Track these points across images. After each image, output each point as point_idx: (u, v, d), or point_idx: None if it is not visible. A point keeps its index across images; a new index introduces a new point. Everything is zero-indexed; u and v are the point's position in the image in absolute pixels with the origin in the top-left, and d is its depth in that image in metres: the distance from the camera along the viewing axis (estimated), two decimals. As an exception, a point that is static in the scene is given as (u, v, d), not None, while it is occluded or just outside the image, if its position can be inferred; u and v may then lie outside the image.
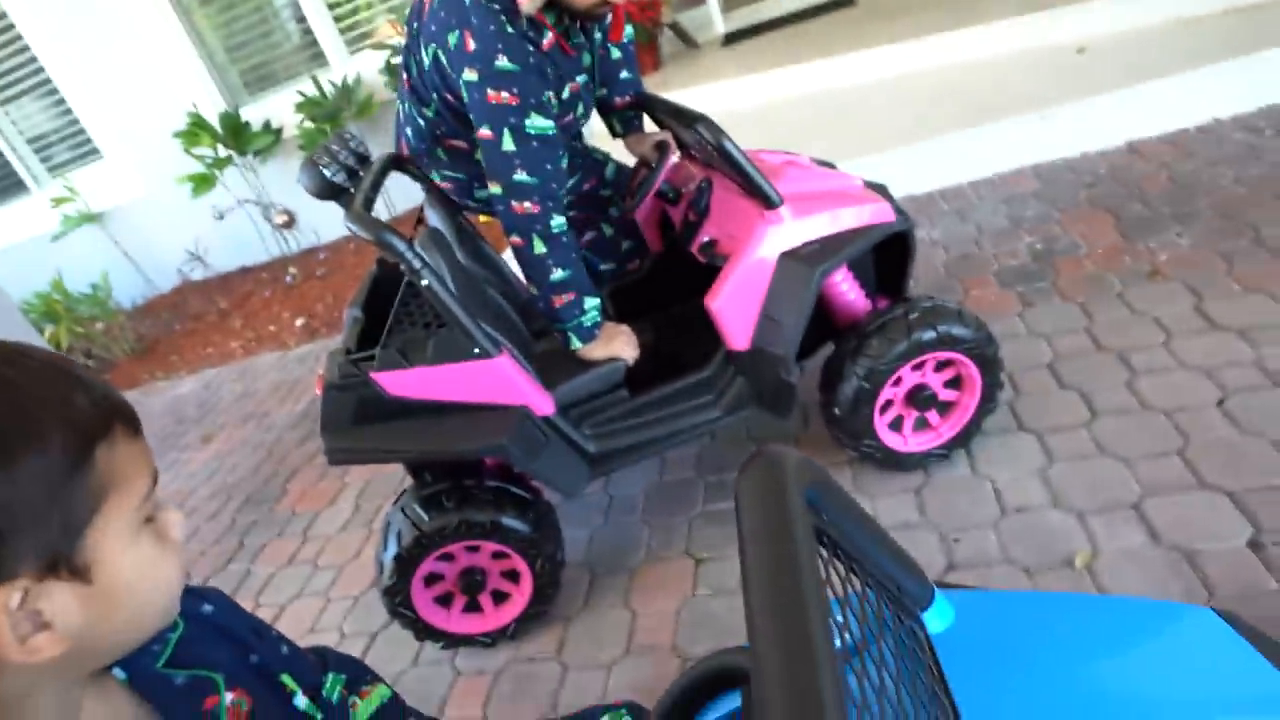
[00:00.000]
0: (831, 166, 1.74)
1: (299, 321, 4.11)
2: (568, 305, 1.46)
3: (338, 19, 4.92)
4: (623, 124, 1.81)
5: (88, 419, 0.42)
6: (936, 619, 0.55)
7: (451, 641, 1.60)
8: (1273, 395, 1.49)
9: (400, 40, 4.43)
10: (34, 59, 5.35)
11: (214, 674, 0.55)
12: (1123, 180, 2.43)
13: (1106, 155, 2.62)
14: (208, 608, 0.59)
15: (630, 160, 1.85)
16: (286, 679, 0.60)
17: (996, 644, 0.55)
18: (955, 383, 1.55)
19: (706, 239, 1.56)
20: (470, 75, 1.33)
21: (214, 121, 4.92)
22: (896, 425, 1.57)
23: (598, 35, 1.56)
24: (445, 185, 1.70)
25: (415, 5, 1.51)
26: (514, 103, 1.31)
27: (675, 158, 1.77)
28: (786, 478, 0.42)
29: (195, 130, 4.87)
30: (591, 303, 1.48)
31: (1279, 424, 1.42)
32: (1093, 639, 0.55)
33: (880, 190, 1.57)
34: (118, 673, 0.52)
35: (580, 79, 1.47)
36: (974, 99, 3.09)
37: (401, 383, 1.35)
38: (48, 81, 5.47)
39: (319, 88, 4.69)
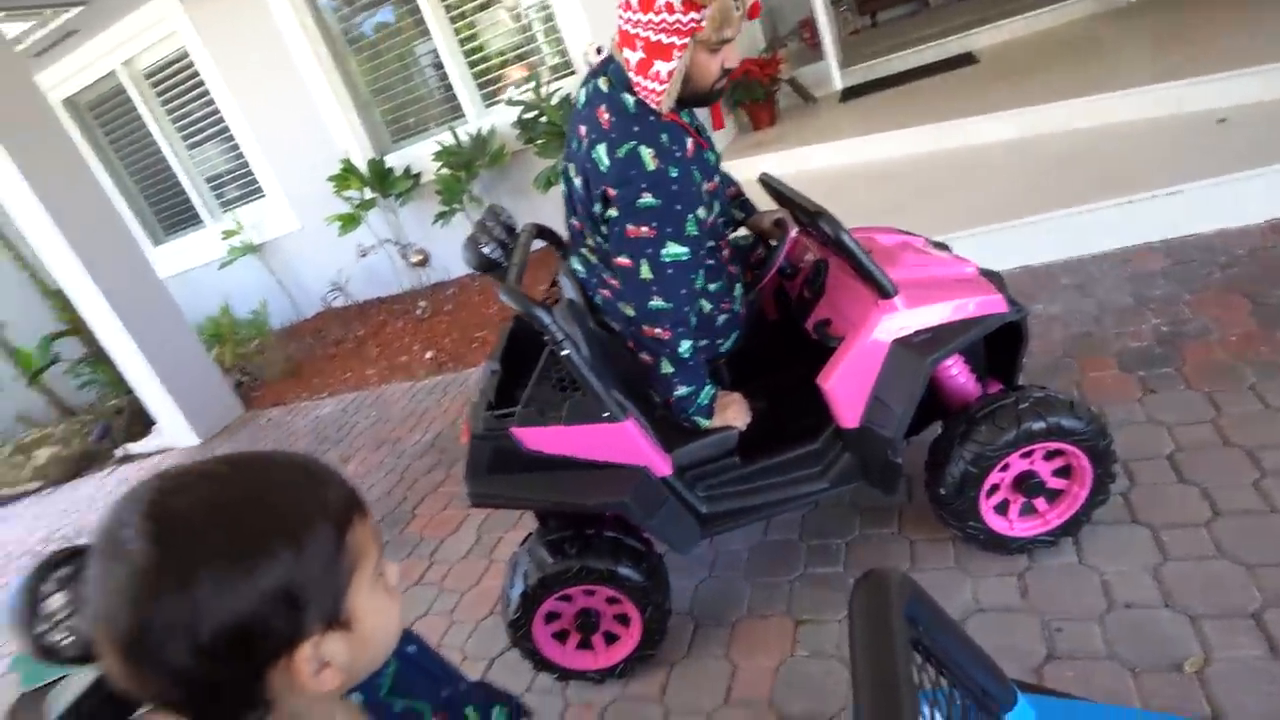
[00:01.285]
0: (946, 248, 1.81)
1: (428, 354, 4.45)
2: (687, 400, 1.59)
3: (475, 75, 5.35)
4: (739, 207, 1.94)
5: (338, 511, 0.57)
6: (1019, 718, 0.63)
7: (564, 675, 1.74)
8: None
9: (521, 92, 4.77)
10: (216, 110, 6.09)
11: (422, 704, 0.69)
12: (1262, 262, 2.34)
13: (1245, 234, 2.53)
14: (411, 648, 0.74)
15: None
16: (470, 712, 0.74)
17: None
18: (1065, 471, 1.56)
19: (821, 319, 1.65)
20: (611, 211, 1.48)
21: (362, 167, 5.43)
22: (1002, 509, 1.60)
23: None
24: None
25: (571, 124, 1.64)
26: (652, 235, 1.44)
27: (794, 233, 1.88)
28: (890, 597, 0.52)
29: (346, 175, 5.38)
30: (708, 393, 1.60)
31: None
32: None
33: (994, 278, 1.63)
34: (355, 697, 0.67)
35: (716, 177, 1.62)
36: (1101, 168, 3.03)
37: (538, 438, 1.52)
38: (225, 129, 6.21)
39: (455, 138, 5.10)
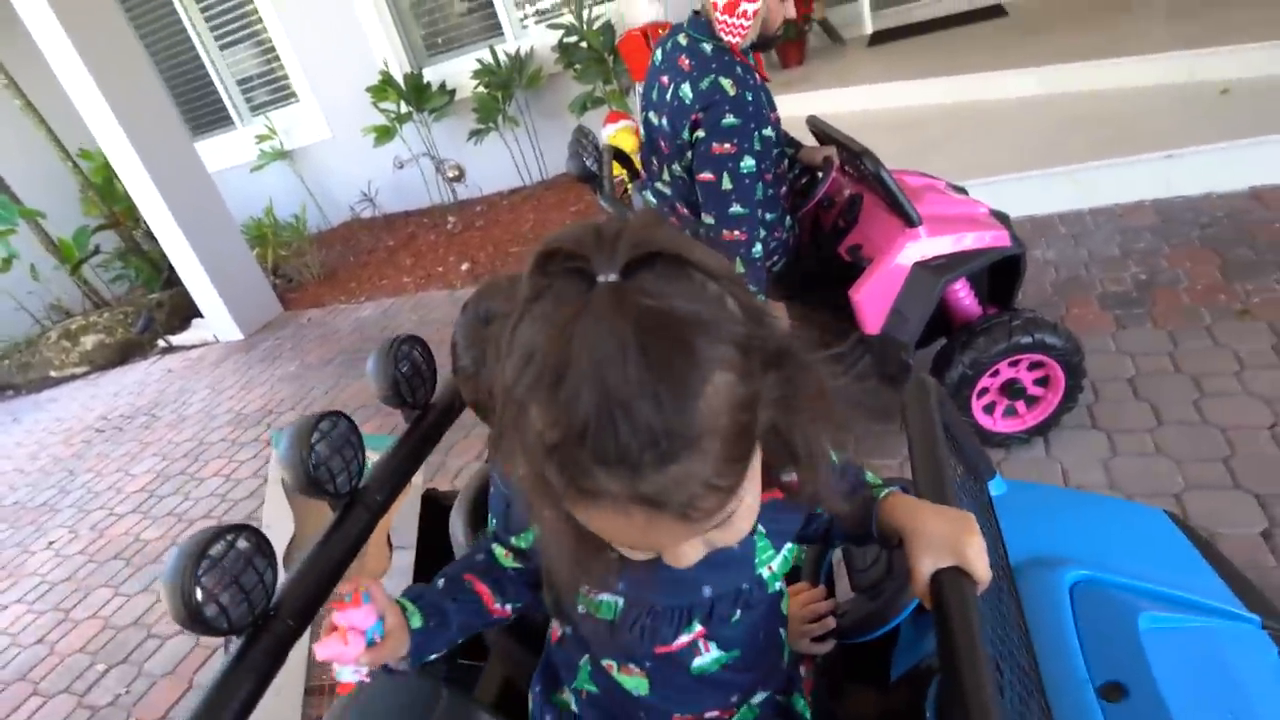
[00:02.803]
0: (964, 192, 2.11)
1: (464, 266, 4.73)
2: None
3: (515, -6, 5.43)
4: (788, 142, 2.22)
5: None
6: (995, 488, 0.97)
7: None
8: (1320, 426, 1.78)
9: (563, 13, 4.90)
10: (252, 8, 6.14)
11: None
12: (1238, 224, 2.65)
13: (1228, 198, 2.82)
14: None
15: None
16: None
17: (1023, 508, 0.96)
18: (1044, 382, 1.91)
19: (854, 243, 1.97)
20: (699, 133, 1.77)
21: (399, 80, 5.55)
22: (990, 409, 1.95)
23: None
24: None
25: (650, 78, 1.92)
26: (733, 150, 1.74)
27: (836, 166, 2.16)
28: (930, 394, 0.85)
29: (384, 86, 5.51)
30: (759, 299, 1.92)
31: (1318, 449, 1.72)
32: (1081, 514, 0.95)
33: (1002, 218, 1.93)
34: None
35: (777, 110, 1.91)
36: (1109, 129, 3.28)
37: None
38: (261, 30, 6.27)
39: (495, 57, 5.22)
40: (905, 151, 3.77)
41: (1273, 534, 1.57)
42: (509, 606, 0.82)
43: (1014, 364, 1.86)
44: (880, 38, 5.49)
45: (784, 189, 2.03)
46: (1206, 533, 1.61)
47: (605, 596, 0.69)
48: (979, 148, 3.54)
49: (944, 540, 0.64)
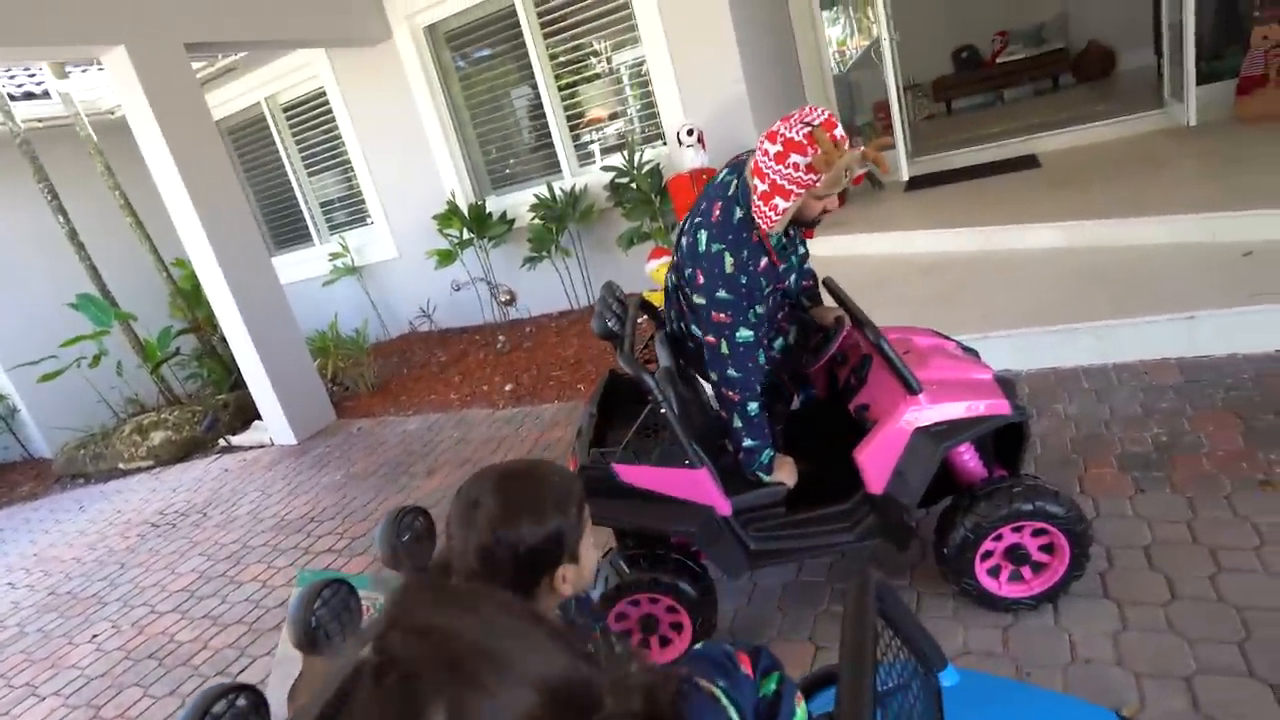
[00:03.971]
0: (975, 354, 2.20)
1: (507, 387, 4.95)
2: (752, 456, 2.02)
3: (574, 137, 5.94)
4: (808, 298, 2.38)
5: (579, 495, 1.02)
6: (947, 679, 1.01)
7: (623, 667, 2.14)
8: (1341, 613, 1.74)
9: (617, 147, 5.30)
10: (339, 143, 6.83)
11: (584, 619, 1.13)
12: (1264, 388, 2.65)
13: (1254, 360, 2.84)
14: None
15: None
16: (599, 632, 1.17)
17: (973, 701, 1.00)
18: (1049, 548, 1.92)
19: (861, 403, 2.07)
20: (697, 298, 1.94)
21: (464, 209, 6.03)
22: (995, 573, 1.96)
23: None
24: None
25: (703, 194, 2.07)
26: (728, 320, 1.90)
27: (848, 328, 2.30)
28: (868, 588, 0.93)
29: (450, 215, 5.98)
30: (768, 454, 2.03)
31: (1338, 638, 1.68)
32: (1030, 712, 0.98)
33: (1006, 385, 2.01)
34: (554, 611, 1.11)
35: (786, 280, 2.06)
36: (1134, 285, 3.36)
37: (631, 474, 1.96)
38: (344, 161, 6.94)
39: (551, 192, 5.66)
40: (933, 296, 3.91)
41: (1285, 730, 1.52)
42: None
43: (1017, 529, 1.89)
44: (917, 183, 5.77)
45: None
46: (1215, 723, 1.58)
47: None
48: (1005, 296, 3.65)
49: None
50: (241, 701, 0.80)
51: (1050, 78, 8.02)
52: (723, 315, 1.90)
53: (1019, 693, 1.08)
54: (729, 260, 1.89)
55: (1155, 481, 2.34)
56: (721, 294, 1.89)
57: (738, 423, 1.99)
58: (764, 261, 1.96)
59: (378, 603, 1.13)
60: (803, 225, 2.00)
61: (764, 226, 1.90)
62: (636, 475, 1.95)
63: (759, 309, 1.96)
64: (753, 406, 1.98)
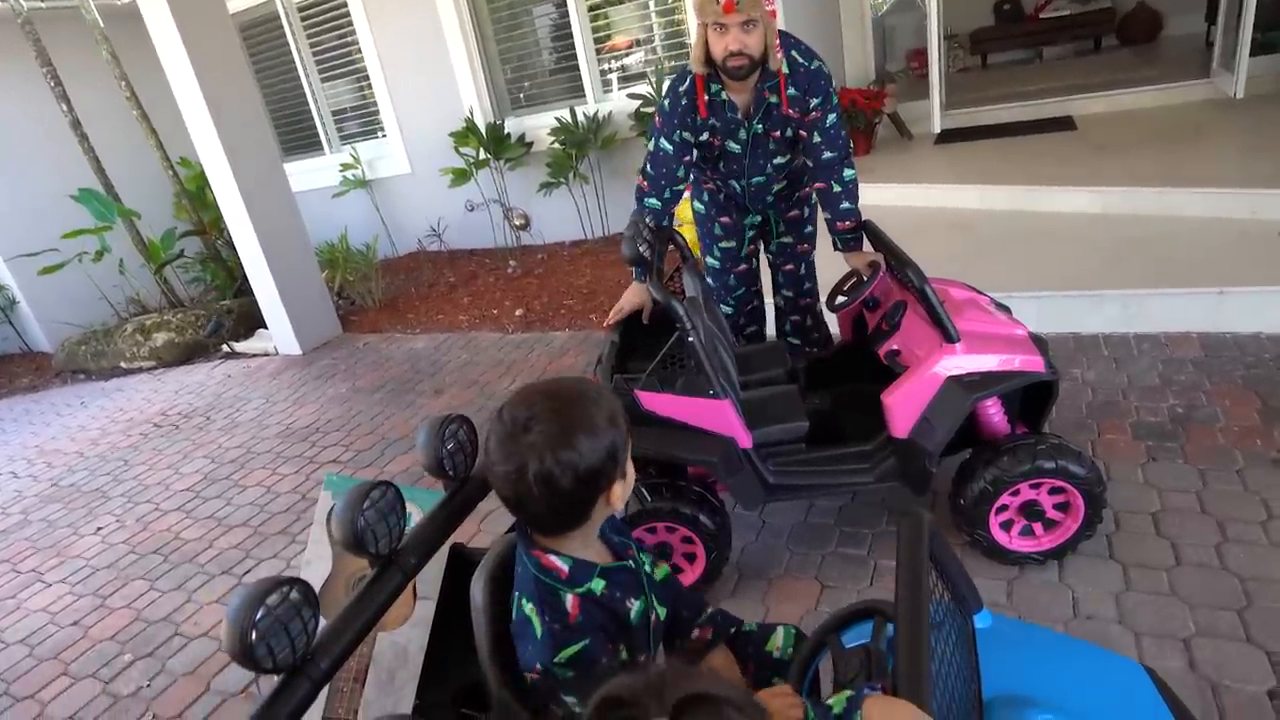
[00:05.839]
0: (1007, 310, 2.17)
1: (518, 311, 4.91)
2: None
3: (600, 61, 5.75)
4: (843, 242, 2.33)
5: (622, 408, 1.00)
6: (981, 621, 1.02)
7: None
8: (1344, 589, 1.77)
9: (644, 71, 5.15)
10: (355, 48, 6.59)
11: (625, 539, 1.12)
12: (1283, 368, 2.65)
13: (1278, 340, 2.82)
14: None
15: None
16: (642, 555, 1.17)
17: (1005, 645, 1.01)
18: (1064, 507, 1.94)
19: (893, 348, 2.05)
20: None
21: (482, 128, 5.88)
22: (1007, 526, 1.98)
23: (773, 99, 2.20)
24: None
25: None
26: (657, 126, 2.32)
27: (883, 273, 2.26)
28: (923, 527, 0.93)
29: (467, 133, 5.84)
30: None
31: (1339, 612, 1.71)
32: (1060, 658, 1.00)
33: (1040, 343, 2.00)
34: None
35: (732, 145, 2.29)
36: (1163, 256, 3.31)
37: (654, 401, 1.95)
38: (360, 68, 6.72)
39: (574, 117, 5.51)
40: (960, 253, 3.85)
41: (1278, 693, 1.56)
42: None
43: (1035, 486, 1.90)
44: (947, 136, 5.63)
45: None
46: (1209, 684, 1.62)
47: None
48: (1033, 258, 3.60)
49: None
50: (294, 595, 0.79)
51: (1092, 38, 7.77)
52: (657, 120, 2.30)
53: (1048, 639, 1.10)
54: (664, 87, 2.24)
55: (1168, 451, 2.35)
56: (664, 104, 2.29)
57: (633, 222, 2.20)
58: (697, 102, 2.21)
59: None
60: (722, 73, 2.15)
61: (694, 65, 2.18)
62: (660, 403, 1.94)
63: (685, 134, 2.26)
64: (651, 200, 2.34)
